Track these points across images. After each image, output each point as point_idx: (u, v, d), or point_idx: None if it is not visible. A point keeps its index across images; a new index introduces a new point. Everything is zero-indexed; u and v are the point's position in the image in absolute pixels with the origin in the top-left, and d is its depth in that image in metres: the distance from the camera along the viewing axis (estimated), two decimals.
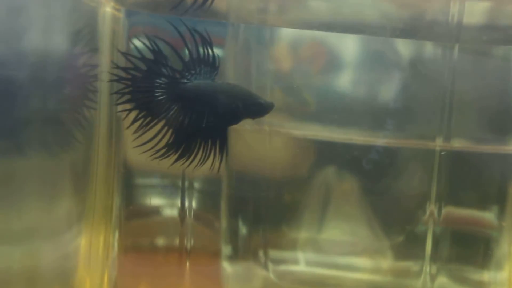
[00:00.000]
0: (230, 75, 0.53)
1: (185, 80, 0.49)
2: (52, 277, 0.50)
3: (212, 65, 0.49)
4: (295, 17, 0.54)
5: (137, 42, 0.50)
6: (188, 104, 0.48)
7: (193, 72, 0.49)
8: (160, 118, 0.49)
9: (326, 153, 0.55)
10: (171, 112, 0.49)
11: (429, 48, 0.54)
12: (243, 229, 0.57)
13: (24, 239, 0.46)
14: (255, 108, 0.50)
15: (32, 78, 0.44)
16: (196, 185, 0.56)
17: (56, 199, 0.49)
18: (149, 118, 0.49)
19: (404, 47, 0.54)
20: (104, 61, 0.52)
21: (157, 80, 0.48)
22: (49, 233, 0.48)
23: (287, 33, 0.55)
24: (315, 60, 0.55)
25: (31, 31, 0.44)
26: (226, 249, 0.57)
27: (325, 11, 0.54)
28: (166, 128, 0.49)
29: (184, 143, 0.49)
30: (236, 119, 0.49)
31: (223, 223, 0.56)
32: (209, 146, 0.49)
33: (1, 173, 0.42)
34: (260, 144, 0.56)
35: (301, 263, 0.57)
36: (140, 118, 0.49)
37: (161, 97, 0.49)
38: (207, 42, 0.48)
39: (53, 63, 0.46)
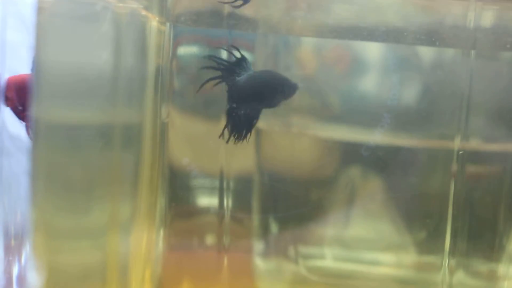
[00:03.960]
0: None
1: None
2: (118, 272, 0.52)
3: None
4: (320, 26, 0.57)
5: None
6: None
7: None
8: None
9: (351, 153, 0.57)
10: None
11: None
12: (274, 226, 0.58)
13: (99, 235, 0.49)
14: (287, 88, 0.53)
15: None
16: (232, 184, 0.58)
17: (119, 198, 0.52)
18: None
19: (425, 51, 0.56)
20: (150, 71, 0.56)
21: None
22: (116, 229, 0.51)
23: (313, 38, 0.58)
24: (339, 63, 0.57)
25: (105, 47, 0.48)
26: (258, 246, 0.59)
27: (349, 19, 0.56)
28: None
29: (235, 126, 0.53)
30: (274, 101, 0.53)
31: (255, 220, 0.58)
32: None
33: (81, 174, 0.46)
34: (289, 145, 0.58)
35: (329, 258, 0.59)
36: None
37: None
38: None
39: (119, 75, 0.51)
